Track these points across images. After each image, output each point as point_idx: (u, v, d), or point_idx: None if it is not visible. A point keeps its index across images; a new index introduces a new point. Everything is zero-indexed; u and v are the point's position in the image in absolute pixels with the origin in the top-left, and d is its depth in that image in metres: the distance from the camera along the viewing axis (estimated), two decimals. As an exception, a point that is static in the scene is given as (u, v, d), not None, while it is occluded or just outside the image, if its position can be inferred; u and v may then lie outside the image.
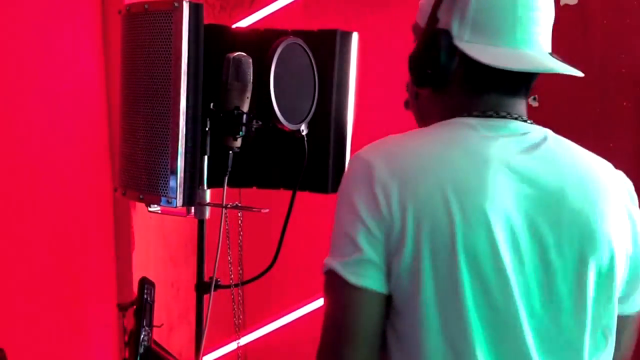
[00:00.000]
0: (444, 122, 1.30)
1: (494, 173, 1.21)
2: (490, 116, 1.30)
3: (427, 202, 1.18)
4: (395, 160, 1.22)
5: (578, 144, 1.41)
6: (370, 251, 1.20)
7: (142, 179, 1.89)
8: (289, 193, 2.01)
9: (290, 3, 2.80)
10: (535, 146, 1.29)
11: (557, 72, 1.32)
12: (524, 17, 1.30)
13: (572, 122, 2.74)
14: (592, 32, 2.75)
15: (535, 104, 2.77)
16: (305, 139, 1.97)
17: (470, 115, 1.30)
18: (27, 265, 2.26)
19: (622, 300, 1.30)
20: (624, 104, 2.71)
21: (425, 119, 1.39)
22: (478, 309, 1.19)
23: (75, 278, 2.47)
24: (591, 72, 2.76)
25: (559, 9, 2.77)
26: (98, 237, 2.60)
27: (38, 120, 2.31)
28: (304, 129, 1.97)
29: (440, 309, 1.19)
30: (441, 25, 1.29)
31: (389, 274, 1.20)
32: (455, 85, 1.31)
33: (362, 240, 1.20)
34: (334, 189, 2.07)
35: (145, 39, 1.87)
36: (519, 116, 1.33)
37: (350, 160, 1.28)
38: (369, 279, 1.20)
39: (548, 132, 1.35)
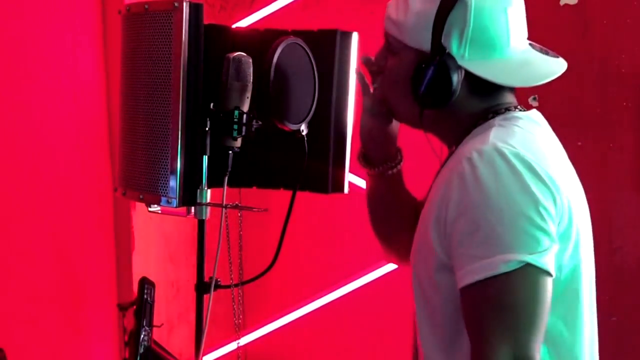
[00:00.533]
0: (502, 118, 1.37)
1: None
2: (510, 110, 1.40)
3: (572, 193, 1.31)
4: (542, 157, 1.28)
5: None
6: (553, 240, 1.22)
7: (142, 179, 1.89)
8: (289, 193, 2.01)
9: (290, 3, 2.80)
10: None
11: (554, 77, 1.45)
12: (512, 26, 1.39)
13: (572, 122, 2.74)
14: (592, 32, 2.75)
15: (535, 104, 2.76)
16: (305, 139, 1.97)
17: (508, 110, 1.39)
18: (27, 265, 2.26)
19: None
20: (624, 104, 2.71)
21: (428, 128, 1.45)
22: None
23: (75, 278, 2.47)
24: (591, 72, 2.77)
25: (559, 9, 2.78)
26: (98, 237, 2.60)
27: (38, 120, 2.31)
28: (304, 128, 1.97)
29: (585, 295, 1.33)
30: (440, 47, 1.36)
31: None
32: (460, 98, 1.37)
33: (546, 230, 1.22)
34: (334, 189, 2.07)
35: (145, 39, 1.87)
36: (521, 108, 1.44)
37: (485, 154, 1.26)
38: (554, 268, 1.23)
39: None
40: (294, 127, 1.95)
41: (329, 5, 3.02)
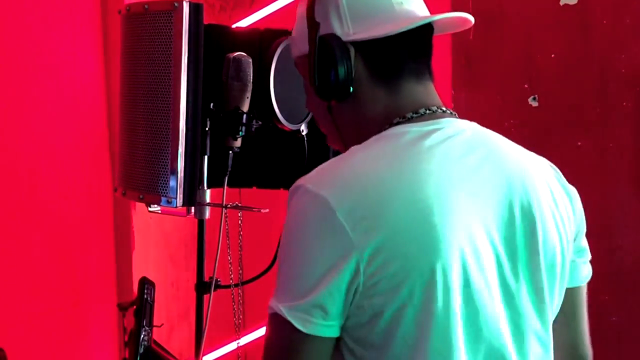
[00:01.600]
0: (380, 135, 1.22)
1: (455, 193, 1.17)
2: (422, 115, 1.24)
3: (398, 235, 1.12)
4: (354, 194, 1.13)
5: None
6: (328, 296, 1.12)
7: (142, 179, 1.89)
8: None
9: (290, 3, 2.80)
10: (472, 147, 1.24)
11: (445, 17, 1.27)
12: None
13: (571, 122, 2.74)
14: (592, 32, 2.75)
15: (535, 104, 2.76)
16: (305, 139, 1.97)
17: (403, 119, 1.24)
18: (27, 266, 2.26)
19: None
20: (624, 104, 2.71)
21: (343, 133, 1.32)
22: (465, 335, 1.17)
23: (76, 278, 2.47)
24: (591, 72, 2.77)
25: (559, 9, 2.78)
26: (98, 237, 2.60)
27: (37, 120, 2.31)
28: (304, 129, 1.97)
29: (424, 338, 1.14)
30: (323, 31, 1.25)
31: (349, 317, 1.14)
32: (364, 87, 1.26)
33: (321, 286, 1.11)
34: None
35: (145, 39, 1.87)
36: (447, 110, 1.27)
37: (297, 193, 1.16)
38: (321, 326, 1.13)
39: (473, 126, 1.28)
40: (294, 127, 1.95)
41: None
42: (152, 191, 1.86)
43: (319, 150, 2.03)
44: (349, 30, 1.24)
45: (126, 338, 2.21)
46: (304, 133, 1.97)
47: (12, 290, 2.20)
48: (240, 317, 2.27)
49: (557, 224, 1.27)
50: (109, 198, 2.61)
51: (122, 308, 2.26)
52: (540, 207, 1.25)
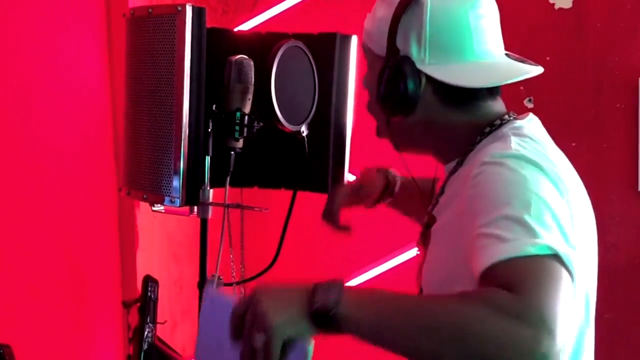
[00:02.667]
0: (513, 128, 1.27)
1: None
2: (508, 121, 1.31)
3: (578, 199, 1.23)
4: (556, 164, 1.21)
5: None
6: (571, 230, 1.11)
7: (145, 179, 1.89)
8: (290, 193, 2.01)
9: (291, 7, 2.80)
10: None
11: (517, 80, 1.30)
12: (477, 30, 1.27)
13: (566, 123, 2.74)
14: (587, 35, 2.75)
15: (530, 105, 2.77)
16: (306, 140, 1.97)
17: (493, 126, 1.29)
18: (33, 264, 2.26)
19: None
20: (617, 105, 2.71)
21: (406, 143, 1.37)
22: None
23: (81, 276, 2.47)
24: (585, 74, 2.77)
25: (554, 12, 2.78)
26: (103, 235, 2.60)
27: (44, 120, 2.31)
28: (304, 130, 1.97)
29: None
30: (400, 46, 1.26)
31: None
32: (436, 113, 1.29)
33: (568, 223, 1.11)
34: (334, 189, 2.07)
35: (149, 42, 1.87)
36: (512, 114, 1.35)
37: (502, 161, 1.14)
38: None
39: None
40: (294, 128, 1.95)
41: (330, 9, 3.02)
42: (156, 191, 1.86)
43: (318, 151, 2.03)
44: (424, 58, 1.25)
45: (130, 334, 2.21)
46: (304, 134, 1.97)
47: (19, 288, 2.20)
48: (242, 314, 2.26)
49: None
50: (114, 198, 2.61)
51: (127, 305, 2.26)
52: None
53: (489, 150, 1.21)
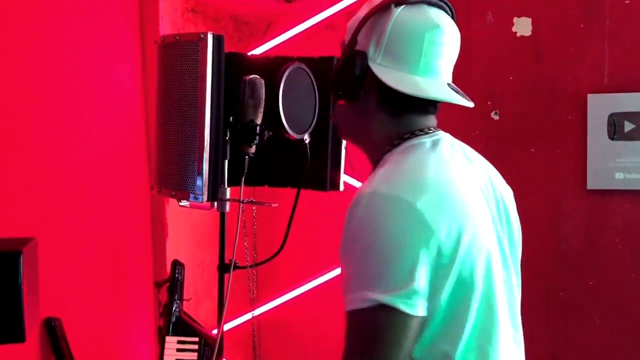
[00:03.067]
0: (404, 147, 1.20)
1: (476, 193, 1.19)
2: (426, 132, 1.23)
3: (465, 220, 1.11)
4: (426, 192, 1.10)
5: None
6: (422, 280, 1.05)
7: (174, 179, 1.89)
8: (294, 190, 2.01)
9: (296, 35, 2.80)
10: (462, 149, 1.26)
11: (446, 101, 1.24)
12: (429, 51, 1.20)
13: (527, 132, 2.74)
14: (543, 59, 2.75)
15: (496, 117, 2.76)
16: (308, 146, 1.97)
17: (412, 135, 1.22)
18: (80, 251, 2.26)
19: None
20: (569, 117, 2.71)
21: (345, 130, 1.31)
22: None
23: (119, 260, 2.47)
24: (542, 91, 2.77)
25: (516, 39, 2.78)
26: (138, 227, 2.60)
27: (89, 130, 2.32)
28: (306, 137, 1.97)
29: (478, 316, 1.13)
30: (359, 47, 1.22)
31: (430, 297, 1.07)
32: (371, 109, 1.23)
33: (415, 271, 1.05)
34: (332, 187, 2.07)
35: (177, 64, 1.87)
36: (437, 128, 1.27)
37: (368, 199, 1.09)
38: (419, 307, 1.06)
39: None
40: (298, 136, 1.95)
41: (328, 36, 3.02)
42: (182, 189, 1.86)
43: (319, 155, 2.03)
44: (377, 58, 1.21)
45: (161, 310, 2.22)
46: (306, 141, 1.96)
47: (68, 271, 2.20)
48: (255, 292, 2.26)
49: (515, 216, 1.28)
50: (147, 195, 2.61)
51: (158, 285, 2.26)
52: (507, 199, 1.27)
53: (365, 184, 1.15)
